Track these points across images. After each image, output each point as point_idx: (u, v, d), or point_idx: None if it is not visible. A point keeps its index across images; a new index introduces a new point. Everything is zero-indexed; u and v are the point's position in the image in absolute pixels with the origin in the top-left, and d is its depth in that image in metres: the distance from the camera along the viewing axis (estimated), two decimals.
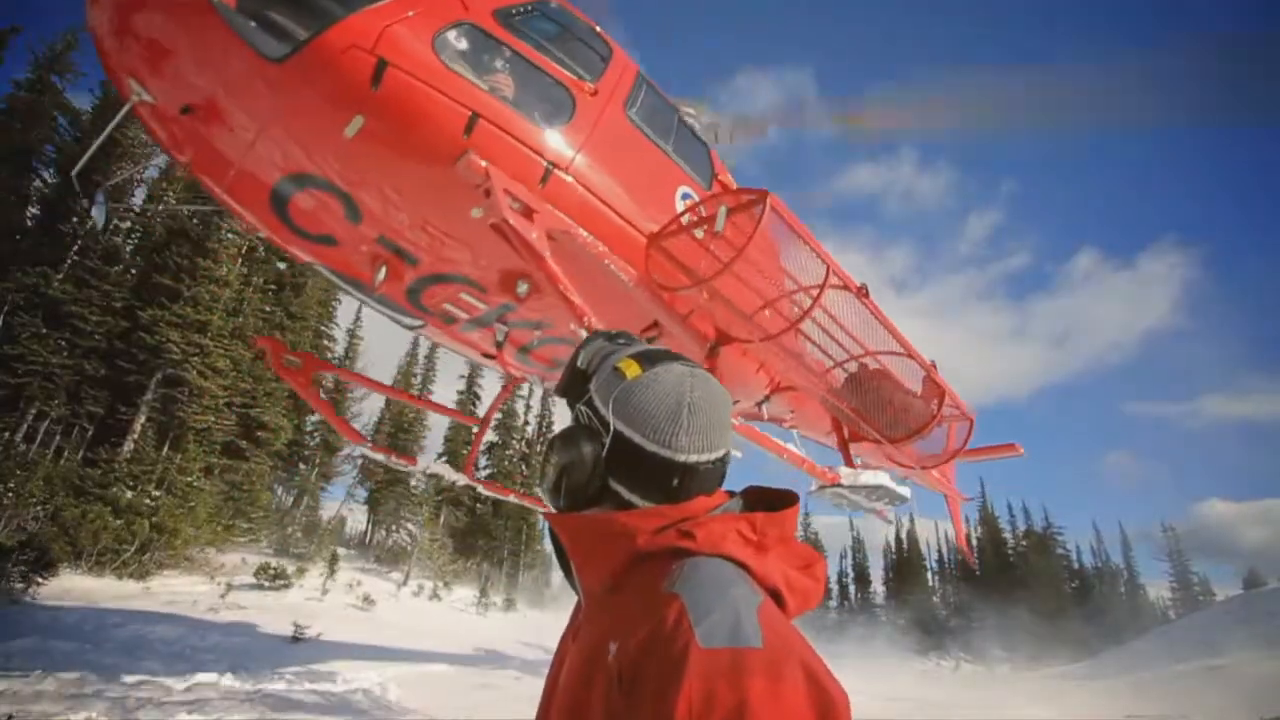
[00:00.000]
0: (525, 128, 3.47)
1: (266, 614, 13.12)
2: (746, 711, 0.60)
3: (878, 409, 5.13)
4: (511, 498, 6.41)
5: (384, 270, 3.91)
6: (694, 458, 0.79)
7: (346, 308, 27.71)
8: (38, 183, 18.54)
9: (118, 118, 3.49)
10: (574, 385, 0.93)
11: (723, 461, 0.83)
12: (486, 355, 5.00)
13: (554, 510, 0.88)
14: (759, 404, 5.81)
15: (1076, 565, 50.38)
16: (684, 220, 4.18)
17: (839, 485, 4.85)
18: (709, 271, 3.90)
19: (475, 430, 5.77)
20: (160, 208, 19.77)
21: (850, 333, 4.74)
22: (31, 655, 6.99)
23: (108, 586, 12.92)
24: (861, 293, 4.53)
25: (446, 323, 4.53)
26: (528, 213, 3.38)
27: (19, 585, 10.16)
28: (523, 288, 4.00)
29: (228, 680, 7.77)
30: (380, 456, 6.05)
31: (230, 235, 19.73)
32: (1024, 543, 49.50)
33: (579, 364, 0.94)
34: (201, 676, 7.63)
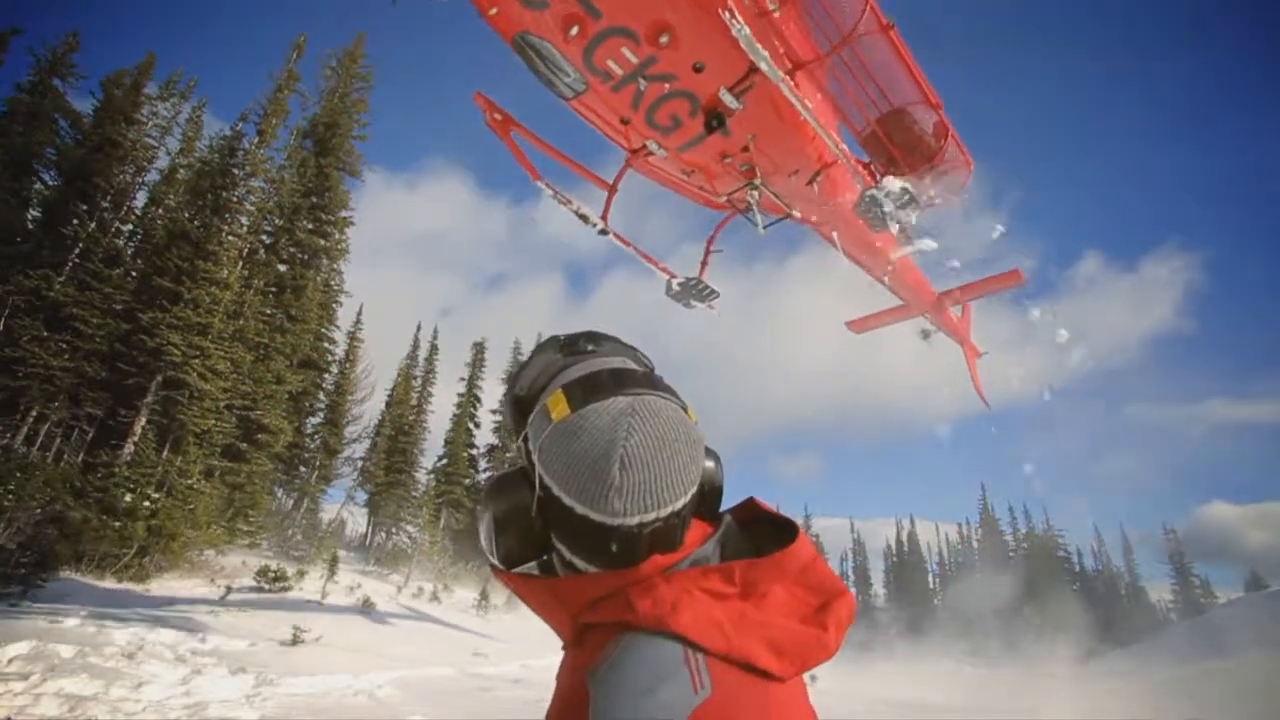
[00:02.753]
0: None
1: (266, 616, 13.12)
2: None
3: (900, 135, 6.20)
4: (630, 248, 7.15)
5: (576, 27, 4.81)
6: (634, 520, 0.62)
7: (347, 310, 27.79)
8: (38, 185, 18.61)
9: None
10: (515, 416, 0.74)
11: (679, 515, 0.65)
12: (623, 120, 5.95)
13: (496, 564, 0.74)
14: (810, 181, 6.56)
15: (1078, 567, 50.41)
16: None
17: (875, 189, 5.76)
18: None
19: (607, 194, 6.81)
20: None
21: (874, 73, 5.71)
22: (30, 658, 6.97)
23: (108, 589, 12.91)
24: (889, 27, 5.31)
25: (604, 80, 5.39)
26: None
27: (18, 588, 10.17)
28: (665, 38, 4.94)
29: (227, 683, 7.77)
30: (550, 192, 6.74)
31: (231, 238, 19.77)
32: (1025, 545, 49.52)
33: (518, 389, 0.74)
34: (201, 679, 7.62)
